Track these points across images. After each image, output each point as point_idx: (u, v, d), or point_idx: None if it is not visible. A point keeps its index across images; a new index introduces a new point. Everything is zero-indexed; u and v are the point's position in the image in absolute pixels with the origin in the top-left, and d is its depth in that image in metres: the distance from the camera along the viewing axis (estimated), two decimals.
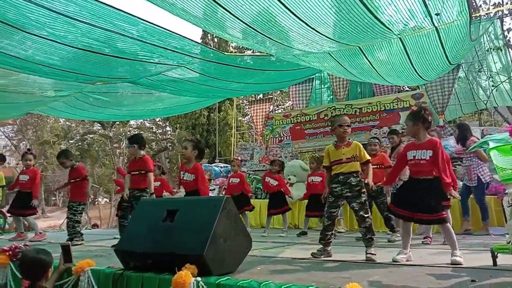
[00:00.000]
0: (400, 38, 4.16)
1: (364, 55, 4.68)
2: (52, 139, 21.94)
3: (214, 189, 9.47)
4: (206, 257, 2.65)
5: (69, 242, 3.55)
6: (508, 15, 10.02)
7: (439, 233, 5.40)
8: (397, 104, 10.15)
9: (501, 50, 9.52)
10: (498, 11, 9.99)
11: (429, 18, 3.58)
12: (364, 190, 3.96)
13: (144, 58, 4.57)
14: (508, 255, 3.08)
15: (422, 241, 4.96)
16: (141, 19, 3.76)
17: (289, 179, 8.44)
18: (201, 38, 22.69)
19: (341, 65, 5.10)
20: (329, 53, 4.74)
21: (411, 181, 3.72)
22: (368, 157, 4.13)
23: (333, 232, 4.10)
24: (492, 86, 9.89)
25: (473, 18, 3.67)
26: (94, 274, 3.00)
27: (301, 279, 2.73)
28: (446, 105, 9.28)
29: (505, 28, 10.48)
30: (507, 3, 11.96)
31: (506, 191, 3.22)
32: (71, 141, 24.56)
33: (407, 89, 12.64)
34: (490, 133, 8.05)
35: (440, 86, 9.13)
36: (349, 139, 4.15)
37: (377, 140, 5.75)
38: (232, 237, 2.94)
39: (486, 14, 9.60)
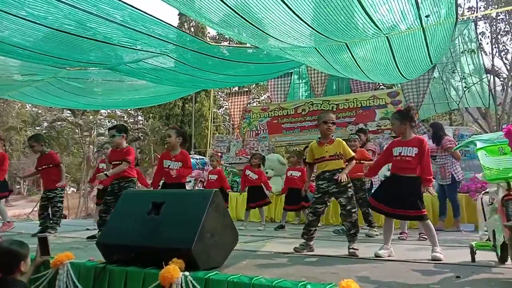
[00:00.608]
0: (387, 37, 4.20)
1: (350, 51, 4.70)
2: (19, 125, 21.03)
3: (190, 181, 9.34)
4: (194, 252, 2.59)
5: (47, 234, 3.38)
6: (482, 19, 10.34)
7: (414, 229, 5.55)
8: (373, 102, 10.29)
9: (474, 52, 9.81)
10: (472, 14, 10.31)
11: (418, 20, 3.62)
12: (350, 185, 3.96)
13: (127, 44, 4.41)
14: (483, 252, 3.19)
15: (398, 237, 5.05)
16: (127, 4, 3.61)
17: (267, 172, 8.43)
18: (177, 27, 22.25)
19: (326, 60, 5.09)
20: (315, 48, 4.72)
21: (393, 177, 3.78)
22: (353, 154, 4.15)
23: (316, 228, 4.11)
24: (465, 87, 10.21)
25: (459, 19, 3.72)
26: (74, 268, 2.86)
27: (290, 274, 2.72)
28: (421, 104, 9.50)
29: (478, 31, 10.82)
30: (480, 8, 12.35)
31: (488, 190, 3.32)
32: (38, 128, 23.66)
33: (383, 87, 12.87)
34: (461, 132, 8.35)
35: (415, 86, 9.33)
36: (332, 136, 4.18)
37: (357, 136, 5.84)
38: (220, 232, 2.88)
39: (461, 17, 9.86)
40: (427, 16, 3.58)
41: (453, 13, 3.75)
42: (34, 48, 4.07)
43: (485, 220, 3.36)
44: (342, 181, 3.82)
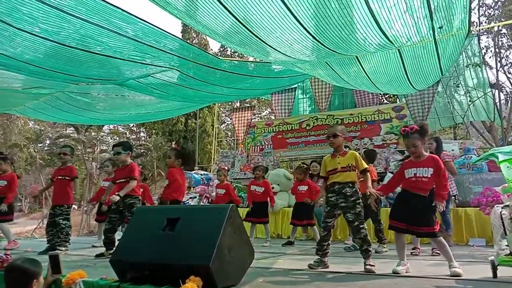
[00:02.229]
0: (398, 49, 4.18)
1: (360, 63, 4.68)
2: (23, 142, 20.97)
3: (195, 197, 9.26)
4: (212, 269, 2.51)
5: (58, 252, 3.29)
6: (485, 33, 10.39)
7: (426, 244, 5.44)
8: (378, 116, 10.24)
9: (479, 66, 9.82)
10: (475, 28, 10.36)
11: (431, 32, 3.60)
12: (359, 201, 3.92)
13: (137, 58, 4.39)
14: (502, 267, 3.09)
15: (411, 252, 4.95)
16: (139, 18, 3.60)
17: (273, 188, 8.34)
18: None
19: (335, 72, 5.08)
20: (325, 61, 4.71)
21: (405, 194, 3.69)
22: (366, 166, 4.09)
23: (329, 242, 4.02)
24: (469, 101, 10.19)
25: (472, 31, 3.71)
26: (86, 286, 2.78)
27: None
28: (426, 118, 9.45)
29: (482, 45, 10.88)
30: (481, 23, 12.44)
31: (508, 203, 3.24)
32: (40, 145, 23.63)
33: (387, 101, 12.87)
34: (468, 146, 8.28)
35: (420, 100, 9.30)
36: (346, 148, 4.14)
37: (362, 154, 5.77)
38: (237, 248, 2.81)
39: None
40: (440, 28, 3.56)
41: (466, 25, 3.74)
42: (45, 65, 4.05)
43: (506, 234, 3.27)
44: (370, 196, 3.84)
